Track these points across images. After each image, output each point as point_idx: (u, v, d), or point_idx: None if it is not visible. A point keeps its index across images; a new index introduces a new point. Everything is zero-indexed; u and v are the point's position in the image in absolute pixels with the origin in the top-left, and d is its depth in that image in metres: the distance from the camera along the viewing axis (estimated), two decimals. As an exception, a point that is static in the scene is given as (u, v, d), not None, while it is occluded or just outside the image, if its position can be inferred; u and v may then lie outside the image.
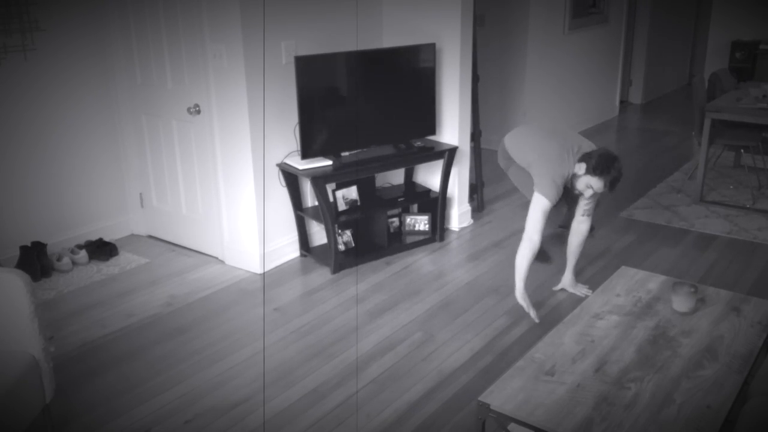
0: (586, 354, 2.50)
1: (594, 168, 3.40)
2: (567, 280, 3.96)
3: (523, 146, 3.78)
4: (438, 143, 4.73)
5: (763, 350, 2.63)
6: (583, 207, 3.74)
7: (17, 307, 2.58)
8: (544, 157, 3.56)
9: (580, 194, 3.57)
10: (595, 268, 4.28)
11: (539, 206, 3.50)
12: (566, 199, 3.80)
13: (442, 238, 4.72)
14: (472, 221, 5.06)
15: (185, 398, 3.05)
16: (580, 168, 3.46)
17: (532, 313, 3.62)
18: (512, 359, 3.23)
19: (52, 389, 2.68)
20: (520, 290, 3.62)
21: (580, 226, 3.80)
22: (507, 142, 3.94)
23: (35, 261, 4.17)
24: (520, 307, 3.80)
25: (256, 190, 4.14)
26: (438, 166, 4.70)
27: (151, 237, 4.86)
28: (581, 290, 3.93)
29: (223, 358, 3.35)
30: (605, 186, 3.42)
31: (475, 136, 5.15)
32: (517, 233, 4.84)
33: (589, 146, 3.63)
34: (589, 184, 3.45)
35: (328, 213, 4.16)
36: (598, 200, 3.78)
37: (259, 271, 4.27)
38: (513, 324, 3.64)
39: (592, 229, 4.09)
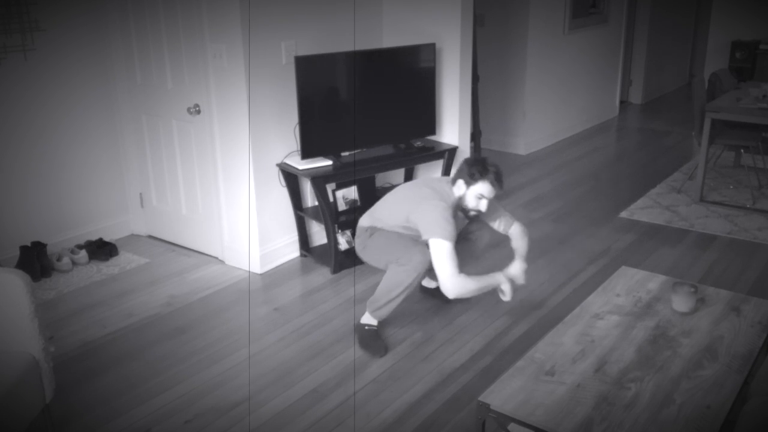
0: (586, 354, 2.50)
1: (471, 175, 3.23)
2: (514, 266, 3.52)
3: (392, 206, 3.45)
4: (438, 143, 4.73)
5: (763, 350, 2.63)
6: (504, 226, 3.57)
7: (17, 307, 2.58)
8: (421, 199, 3.29)
9: (478, 212, 3.31)
10: (595, 268, 4.28)
11: (441, 251, 3.16)
12: (474, 225, 3.62)
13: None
14: (472, 221, 5.06)
15: (185, 398, 3.05)
16: (459, 187, 3.28)
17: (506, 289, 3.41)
18: (512, 359, 3.23)
19: (52, 389, 2.68)
20: (500, 281, 3.39)
21: (517, 230, 3.58)
22: (367, 217, 3.56)
23: (35, 261, 4.17)
24: (520, 307, 3.80)
25: (256, 190, 4.14)
26: (438, 166, 4.70)
27: (151, 237, 4.86)
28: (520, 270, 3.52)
29: (223, 358, 3.35)
30: (493, 185, 3.23)
31: (475, 136, 5.15)
32: (517, 233, 4.85)
33: (446, 179, 3.45)
34: (478, 194, 3.24)
35: (328, 213, 4.16)
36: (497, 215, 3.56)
37: (260, 271, 4.27)
38: (513, 324, 3.64)
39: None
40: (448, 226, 3.19)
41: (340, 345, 3.46)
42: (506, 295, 3.43)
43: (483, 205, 3.28)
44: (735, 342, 2.56)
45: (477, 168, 3.21)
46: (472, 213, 3.31)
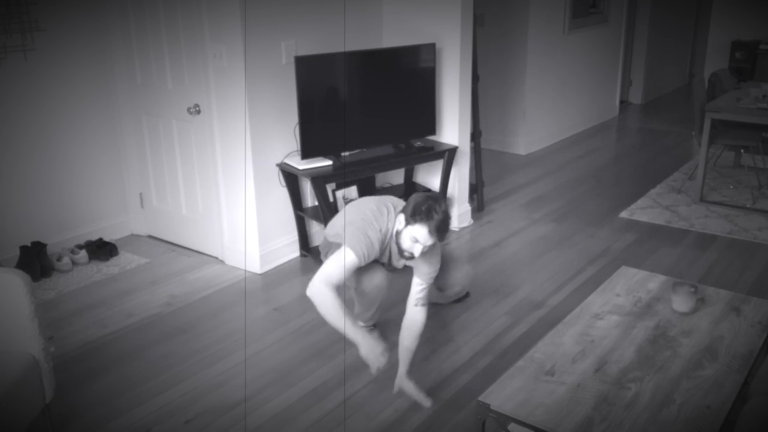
0: (586, 354, 2.50)
1: (412, 214, 2.81)
2: (401, 381, 3.00)
3: (341, 220, 3.21)
4: (438, 143, 4.73)
5: (763, 350, 2.63)
6: (415, 296, 3.06)
7: (17, 307, 2.58)
8: (360, 213, 3.08)
9: (410, 256, 2.89)
10: (595, 268, 4.28)
11: (347, 260, 2.93)
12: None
13: (441, 238, 4.71)
14: (472, 221, 5.06)
15: (186, 398, 3.05)
16: (400, 221, 2.89)
17: (422, 399, 2.97)
18: (512, 359, 3.23)
19: (52, 389, 2.68)
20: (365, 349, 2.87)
21: (414, 317, 3.04)
22: (329, 228, 3.41)
23: (35, 261, 4.17)
24: (520, 307, 3.80)
25: (256, 190, 4.14)
26: (438, 166, 4.70)
27: (151, 237, 4.86)
28: (419, 396, 2.97)
29: (224, 358, 3.35)
30: (431, 233, 2.79)
31: (475, 136, 5.15)
32: (517, 233, 4.85)
33: (403, 204, 3.12)
34: (413, 237, 2.82)
35: (328, 213, 4.16)
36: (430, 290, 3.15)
37: (260, 271, 4.27)
38: (513, 324, 3.64)
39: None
40: (366, 243, 2.96)
41: (340, 345, 3.46)
42: (372, 367, 2.88)
43: (416, 250, 2.85)
44: (735, 342, 2.56)
45: (422, 207, 2.79)
46: (406, 254, 2.90)
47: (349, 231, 3.00)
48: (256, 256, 4.26)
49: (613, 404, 2.22)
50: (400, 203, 3.17)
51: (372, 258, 3.02)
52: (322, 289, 2.87)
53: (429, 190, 4.76)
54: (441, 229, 2.81)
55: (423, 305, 3.06)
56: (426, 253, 2.94)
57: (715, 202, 5.37)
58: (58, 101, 4.34)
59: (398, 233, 2.90)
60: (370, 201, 3.20)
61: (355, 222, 3.03)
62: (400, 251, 2.92)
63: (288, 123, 4.23)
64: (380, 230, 3.04)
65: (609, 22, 7.87)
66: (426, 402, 2.95)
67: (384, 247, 3.11)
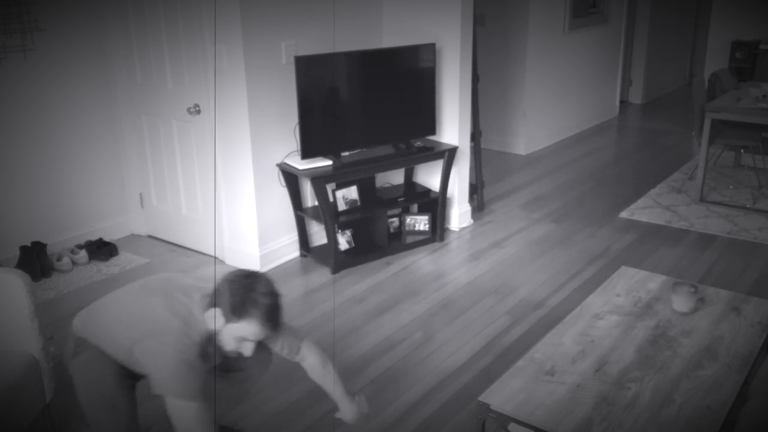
0: (586, 354, 2.50)
1: (233, 309, 2.11)
2: (346, 411, 2.52)
3: (112, 322, 2.28)
4: (438, 143, 4.73)
5: (763, 350, 2.63)
6: (286, 349, 2.45)
7: (17, 307, 2.58)
8: (153, 324, 2.15)
9: (239, 354, 2.23)
10: (595, 268, 4.28)
11: (183, 417, 2.11)
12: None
13: (442, 238, 4.72)
14: (472, 221, 5.06)
15: (185, 398, 3.04)
16: (217, 317, 2.15)
17: None
18: (512, 359, 3.23)
19: (52, 389, 2.68)
20: None
21: (311, 361, 2.48)
22: (83, 316, 2.37)
23: (35, 261, 4.17)
24: (520, 307, 3.80)
25: (256, 190, 4.14)
26: (438, 166, 4.70)
27: (151, 237, 4.86)
28: (362, 406, 2.56)
29: (223, 358, 3.35)
30: (263, 326, 2.13)
31: (475, 136, 5.15)
32: (517, 233, 4.85)
33: (210, 278, 2.33)
34: (240, 336, 2.14)
35: (328, 213, 4.16)
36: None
37: (260, 270, 4.26)
38: (513, 324, 3.64)
39: None
40: (190, 379, 2.11)
41: (339, 345, 3.46)
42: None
43: (247, 349, 2.19)
44: (735, 342, 2.56)
45: (242, 298, 2.11)
46: (231, 355, 2.25)
47: (156, 369, 2.12)
48: (256, 256, 4.26)
49: (613, 404, 2.22)
50: (195, 288, 2.28)
51: (202, 383, 2.16)
52: None
53: (429, 190, 4.76)
54: (273, 318, 2.15)
55: (304, 342, 2.47)
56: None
57: (715, 202, 5.37)
58: (58, 101, 4.34)
59: (217, 334, 2.17)
60: (152, 295, 2.25)
61: (154, 346, 2.12)
62: (223, 354, 2.24)
63: (288, 123, 4.23)
64: (197, 343, 2.15)
65: (609, 22, 7.87)
66: (365, 408, 2.56)
67: (202, 351, 2.19)
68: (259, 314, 2.11)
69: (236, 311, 2.11)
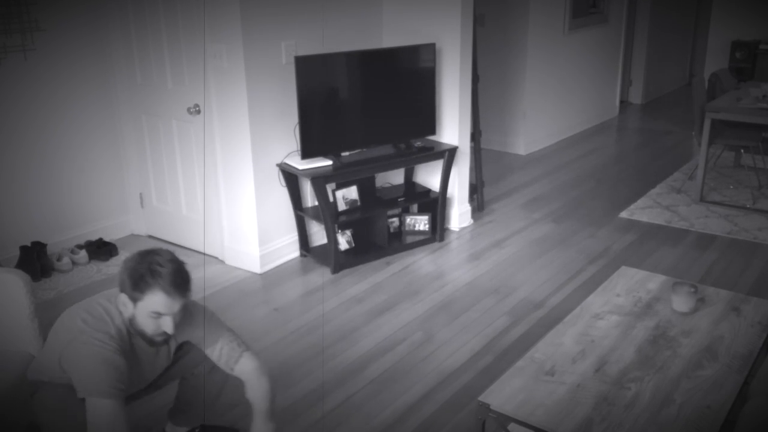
0: (586, 354, 2.50)
1: (135, 285, 2.12)
2: (257, 429, 2.43)
3: (48, 353, 2.27)
4: (438, 143, 4.73)
5: (763, 350, 2.63)
6: (224, 358, 2.40)
7: (17, 307, 2.58)
8: (74, 331, 2.16)
9: (164, 337, 2.24)
10: (595, 268, 4.28)
11: (98, 417, 2.05)
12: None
13: (442, 238, 4.72)
14: (472, 221, 5.06)
15: (185, 398, 3.04)
16: (125, 304, 2.17)
17: None
18: (512, 359, 3.23)
19: (52, 389, 2.68)
20: None
21: (248, 372, 2.41)
22: (30, 370, 2.38)
23: (35, 261, 4.17)
24: (520, 307, 3.80)
25: (256, 190, 4.14)
26: (438, 166, 4.70)
27: (151, 237, 4.86)
28: None
29: (223, 358, 3.35)
30: (169, 294, 2.12)
31: (475, 136, 5.15)
32: (517, 233, 4.85)
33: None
34: (152, 313, 2.14)
35: (328, 213, 4.16)
36: None
37: (260, 271, 4.27)
38: (513, 324, 3.64)
39: None
40: (106, 375, 2.08)
41: (339, 345, 3.46)
42: None
43: (167, 326, 2.18)
44: (735, 342, 2.56)
45: (140, 271, 2.12)
46: (158, 339, 2.24)
47: (76, 370, 2.11)
48: (256, 256, 4.26)
49: (613, 404, 2.22)
50: (113, 292, 2.28)
51: (126, 379, 2.16)
52: None
53: (429, 190, 4.76)
54: (179, 283, 2.14)
55: (245, 352, 2.42)
56: (183, 319, 2.28)
57: (715, 202, 5.37)
58: (57, 101, 4.34)
59: (132, 321, 2.19)
60: (77, 309, 2.26)
61: (74, 349, 2.12)
62: (148, 340, 2.24)
63: (288, 123, 4.23)
64: (111, 340, 2.15)
65: (609, 22, 7.87)
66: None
67: (127, 348, 2.23)
68: (162, 282, 2.12)
69: (137, 286, 2.12)
